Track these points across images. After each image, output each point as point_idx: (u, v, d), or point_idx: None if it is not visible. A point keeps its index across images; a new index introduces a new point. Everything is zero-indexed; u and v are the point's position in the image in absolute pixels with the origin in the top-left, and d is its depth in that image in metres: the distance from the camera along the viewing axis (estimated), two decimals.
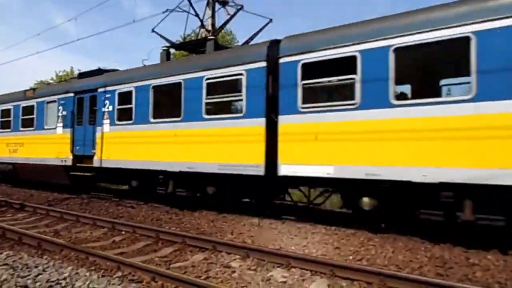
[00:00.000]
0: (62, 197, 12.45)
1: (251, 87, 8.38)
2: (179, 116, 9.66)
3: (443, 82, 7.62)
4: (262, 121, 8.19)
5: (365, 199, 7.14)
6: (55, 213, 9.26)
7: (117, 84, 11.33)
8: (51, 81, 29.09)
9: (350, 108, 7.08)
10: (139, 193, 11.22)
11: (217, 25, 13.42)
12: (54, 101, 13.50)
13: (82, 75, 13.62)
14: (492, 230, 6.10)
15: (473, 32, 5.95)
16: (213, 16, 13.40)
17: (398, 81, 6.78)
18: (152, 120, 10.32)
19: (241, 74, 8.56)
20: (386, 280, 4.59)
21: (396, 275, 4.66)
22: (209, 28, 13.15)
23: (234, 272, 5.12)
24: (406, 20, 6.66)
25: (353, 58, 7.06)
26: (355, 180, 6.99)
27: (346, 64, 7.12)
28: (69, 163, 12.57)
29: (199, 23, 12.94)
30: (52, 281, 4.65)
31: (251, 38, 11.43)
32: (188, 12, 12.52)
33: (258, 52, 8.48)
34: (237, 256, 5.77)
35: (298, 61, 7.75)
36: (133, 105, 10.78)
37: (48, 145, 13.50)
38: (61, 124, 13.12)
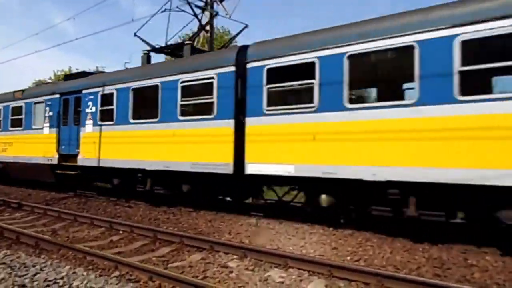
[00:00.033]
0: (59, 196, 12.59)
1: (222, 90, 8.84)
2: (156, 117, 10.12)
3: (393, 87, 8.07)
4: (231, 123, 8.65)
5: (323, 197, 7.60)
6: (52, 213, 9.32)
7: (100, 86, 11.77)
8: (50, 81, 29.47)
9: (309, 111, 7.54)
10: (119, 191, 11.68)
11: (217, 25, 13.59)
12: (42, 102, 13.94)
13: (68, 77, 14.08)
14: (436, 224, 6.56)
15: (416, 41, 6.44)
16: (211, 17, 13.70)
17: (352, 86, 7.25)
18: (132, 121, 10.78)
19: (212, 78, 9.01)
20: (384, 280, 4.58)
21: (394, 276, 4.66)
22: (208, 28, 13.27)
23: (231, 272, 5.14)
24: (359, 29, 7.12)
25: (312, 64, 7.53)
26: (313, 179, 7.45)
27: (306, 70, 7.58)
28: (55, 162, 13.03)
29: (198, 24, 13.19)
30: (50, 281, 4.67)
31: (229, 42, 11.83)
32: (187, 12, 12.84)
33: (228, 57, 8.94)
34: (235, 256, 5.79)
35: (264, 66, 8.21)
36: (114, 107, 11.24)
37: (35, 144, 13.93)
38: (47, 124, 13.56)
